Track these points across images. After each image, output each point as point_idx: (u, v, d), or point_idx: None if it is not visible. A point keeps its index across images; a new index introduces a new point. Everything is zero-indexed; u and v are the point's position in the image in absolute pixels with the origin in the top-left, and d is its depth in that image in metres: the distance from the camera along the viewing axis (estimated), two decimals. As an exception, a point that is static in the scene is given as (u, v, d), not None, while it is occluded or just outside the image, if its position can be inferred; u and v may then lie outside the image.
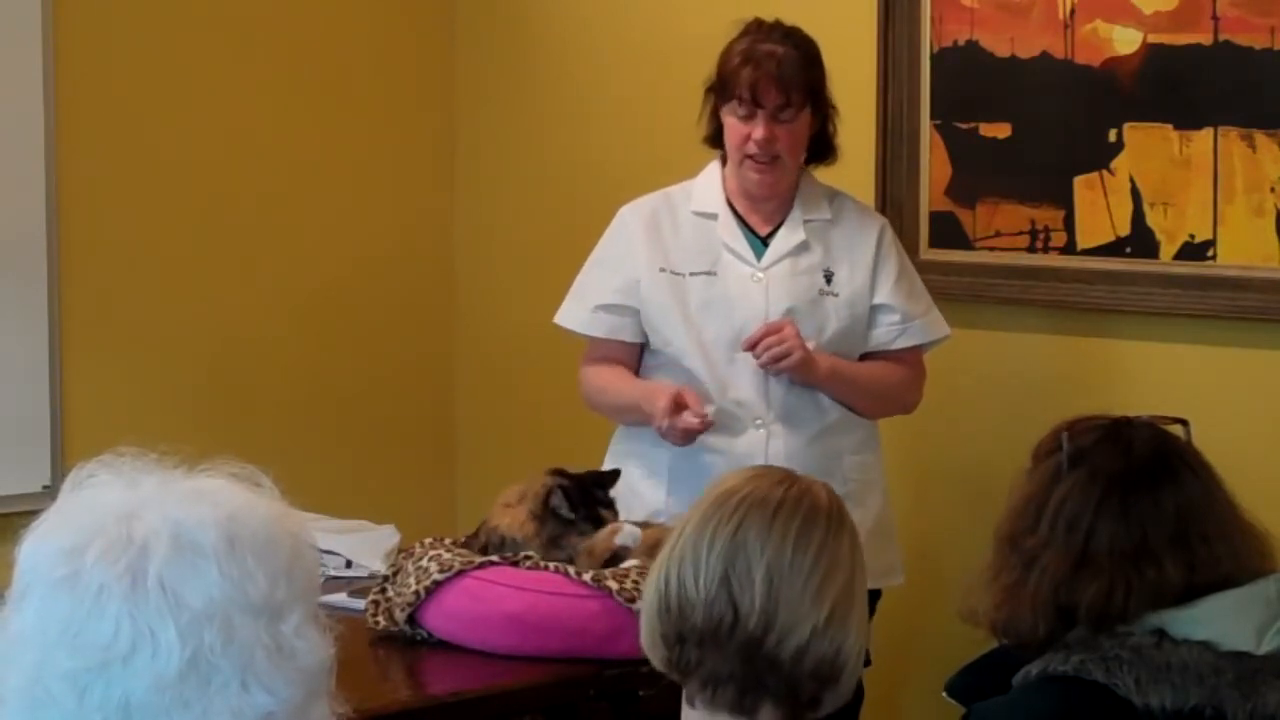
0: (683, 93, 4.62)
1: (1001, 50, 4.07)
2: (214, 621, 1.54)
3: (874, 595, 3.69)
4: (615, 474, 3.56)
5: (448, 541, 3.44)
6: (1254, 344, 3.82)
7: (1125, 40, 3.91)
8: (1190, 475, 2.50)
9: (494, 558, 3.33)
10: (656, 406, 3.58)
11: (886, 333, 3.73)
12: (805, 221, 3.72)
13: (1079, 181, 4.00)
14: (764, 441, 3.64)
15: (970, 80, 4.11)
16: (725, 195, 3.75)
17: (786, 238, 3.71)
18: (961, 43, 4.12)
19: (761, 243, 3.72)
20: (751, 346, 3.59)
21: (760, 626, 2.16)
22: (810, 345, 3.64)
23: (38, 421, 4.43)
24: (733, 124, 3.66)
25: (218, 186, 4.73)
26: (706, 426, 3.57)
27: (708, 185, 3.77)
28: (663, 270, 3.72)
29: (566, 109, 4.86)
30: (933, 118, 4.16)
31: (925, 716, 4.06)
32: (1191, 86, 3.84)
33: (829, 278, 3.70)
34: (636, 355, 3.77)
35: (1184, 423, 2.60)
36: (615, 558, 3.41)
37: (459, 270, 5.11)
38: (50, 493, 4.28)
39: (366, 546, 3.82)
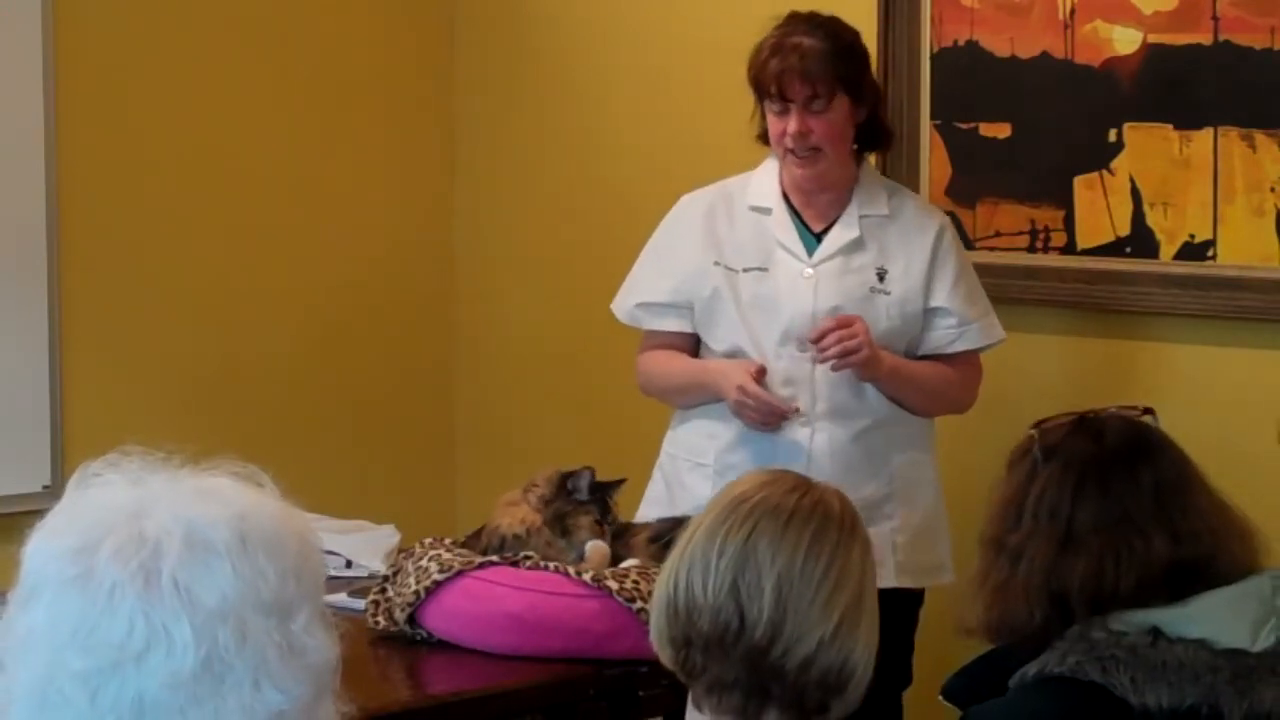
0: (684, 93, 4.63)
1: (1001, 50, 4.07)
2: (228, 620, 1.54)
3: (917, 596, 3.68)
4: (621, 481, 3.57)
5: (448, 541, 3.44)
6: (1254, 344, 3.83)
7: (1125, 40, 3.91)
8: (1164, 455, 2.52)
9: (494, 558, 3.34)
10: (732, 378, 3.57)
11: (943, 336, 3.69)
12: (861, 217, 3.68)
13: (1079, 181, 4.00)
14: (808, 437, 3.61)
15: (970, 80, 4.11)
16: (780, 190, 3.70)
17: (840, 234, 3.67)
18: (961, 43, 4.12)
19: (815, 239, 3.68)
20: (818, 338, 3.54)
21: (766, 637, 2.16)
22: None
23: (38, 421, 4.43)
24: (770, 119, 3.62)
25: (217, 187, 4.73)
26: (791, 411, 3.56)
27: (763, 179, 3.73)
28: (717, 264, 3.68)
29: (567, 109, 4.86)
30: (933, 118, 4.15)
31: (924, 718, 4.06)
32: (1191, 86, 3.83)
33: (881, 275, 3.65)
34: (692, 343, 3.73)
35: (1150, 411, 2.63)
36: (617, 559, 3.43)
37: (459, 271, 5.11)
38: (50, 493, 4.28)
39: (366, 546, 3.82)
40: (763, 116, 3.66)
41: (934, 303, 3.67)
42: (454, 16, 5.05)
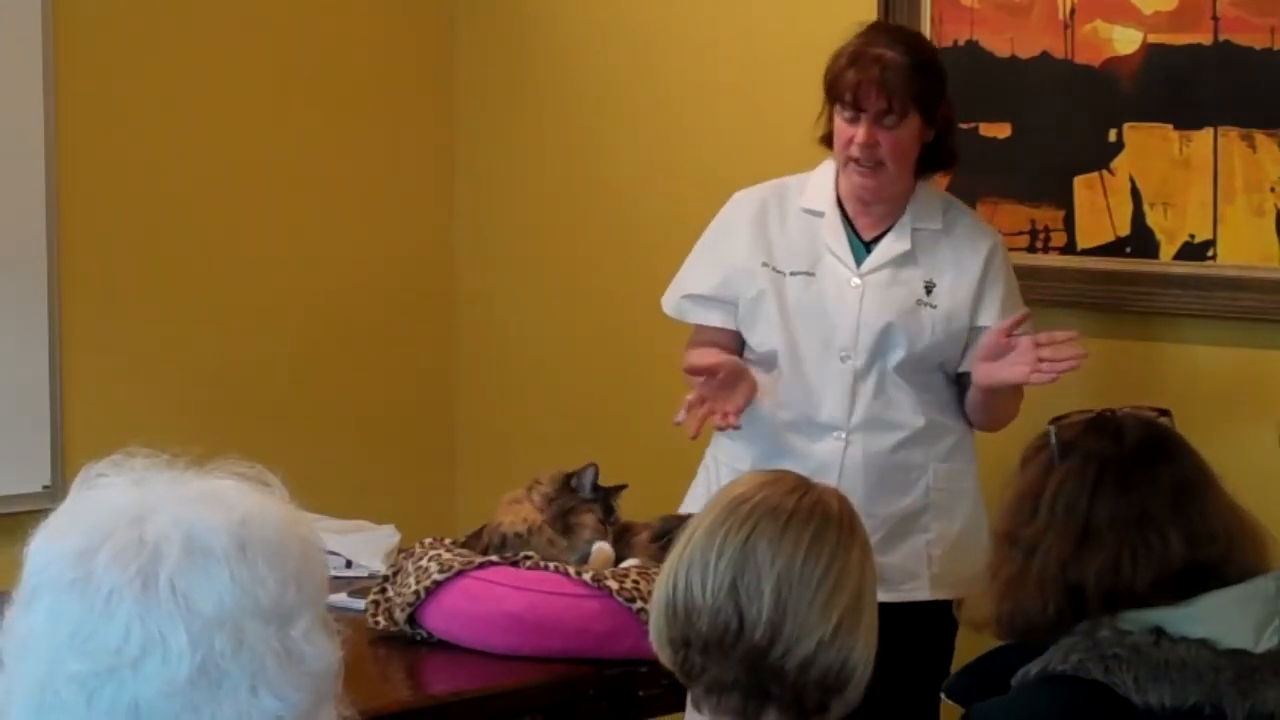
0: (683, 92, 4.63)
1: (1001, 50, 4.07)
2: (225, 627, 1.54)
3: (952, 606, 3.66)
4: (623, 487, 3.57)
5: (448, 541, 3.44)
6: (1254, 344, 3.83)
7: (1125, 40, 3.91)
8: (1182, 457, 2.53)
9: (494, 558, 3.34)
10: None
11: None
12: (914, 230, 3.64)
13: (1079, 181, 4.00)
14: (841, 450, 3.60)
15: (970, 80, 4.11)
16: (835, 195, 3.67)
17: (890, 246, 3.64)
18: (961, 43, 4.12)
19: (865, 247, 3.65)
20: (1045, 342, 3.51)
21: (766, 638, 2.16)
22: (900, 355, 3.60)
23: (38, 421, 4.43)
24: (839, 125, 3.58)
25: (217, 187, 4.73)
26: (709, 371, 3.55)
27: (820, 182, 3.69)
28: (765, 265, 3.66)
29: (567, 110, 4.86)
30: (933, 118, 4.15)
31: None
32: (1191, 86, 3.83)
33: (930, 289, 3.62)
34: (736, 342, 3.70)
35: (1167, 413, 2.63)
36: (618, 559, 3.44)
37: (459, 271, 5.11)
38: (50, 493, 4.28)
39: (366, 546, 3.82)
40: (828, 119, 3.62)
41: (981, 322, 3.63)
42: (454, 16, 5.05)
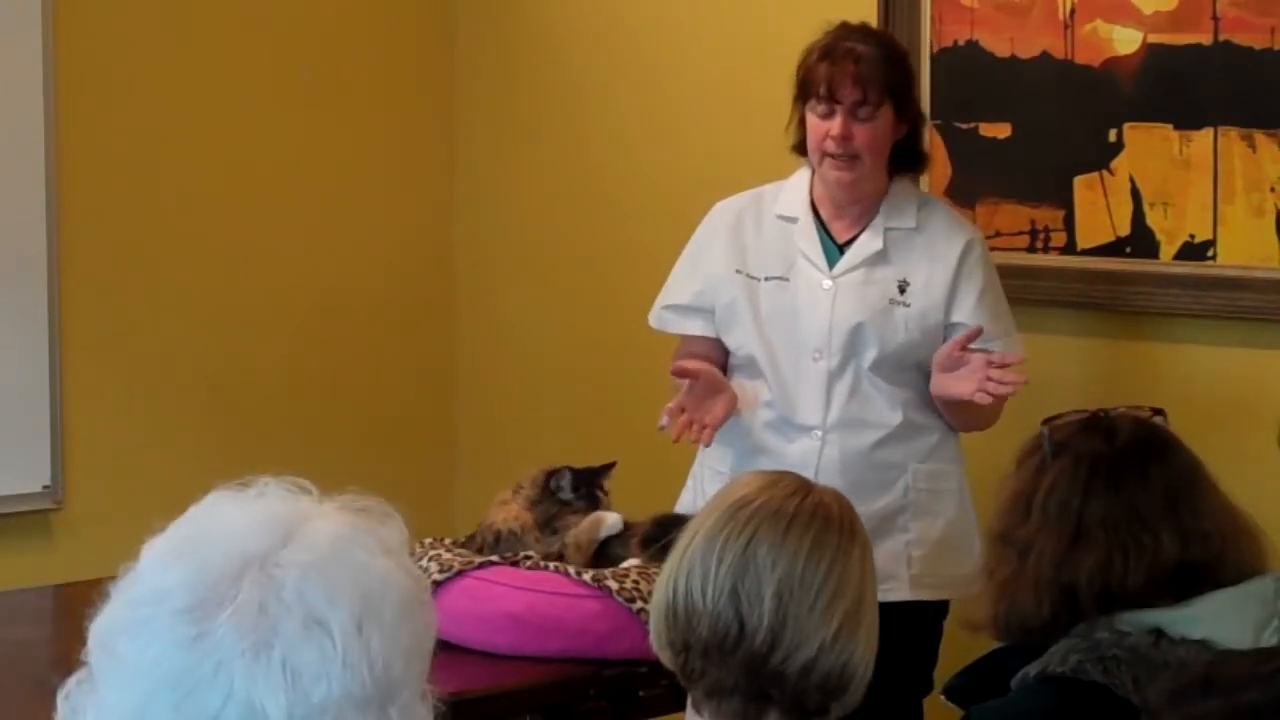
0: (683, 92, 4.63)
1: (1001, 50, 4.07)
2: (327, 714, 1.51)
3: (940, 607, 3.64)
4: (611, 465, 3.57)
5: (448, 541, 3.44)
6: (1254, 344, 3.83)
7: (1125, 40, 3.91)
8: (1174, 456, 2.53)
9: (494, 558, 3.34)
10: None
11: None
12: (887, 229, 3.64)
13: (1079, 181, 4.00)
14: (818, 450, 3.60)
15: (970, 80, 4.11)
16: (810, 200, 3.67)
17: (863, 246, 3.64)
18: (961, 43, 4.12)
19: (839, 250, 3.65)
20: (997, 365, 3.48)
21: (766, 643, 2.16)
22: (874, 354, 3.60)
23: (38, 421, 4.43)
24: (813, 122, 3.59)
25: (217, 187, 4.74)
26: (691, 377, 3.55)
27: (794, 188, 3.70)
28: (738, 272, 3.67)
29: (566, 110, 4.86)
30: (933, 118, 4.14)
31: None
32: (1191, 86, 3.83)
33: (903, 288, 3.62)
34: (720, 351, 3.71)
35: (1161, 413, 2.63)
36: (605, 547, 3.43)
37: (459, 271, 5.11)
38: (50, 493, 4.27)
39: (366, 547, 3.82)
40: (799, 124, 3.63)
41: (955, 318, 3.62)
42: (454, 16, 5.05)
